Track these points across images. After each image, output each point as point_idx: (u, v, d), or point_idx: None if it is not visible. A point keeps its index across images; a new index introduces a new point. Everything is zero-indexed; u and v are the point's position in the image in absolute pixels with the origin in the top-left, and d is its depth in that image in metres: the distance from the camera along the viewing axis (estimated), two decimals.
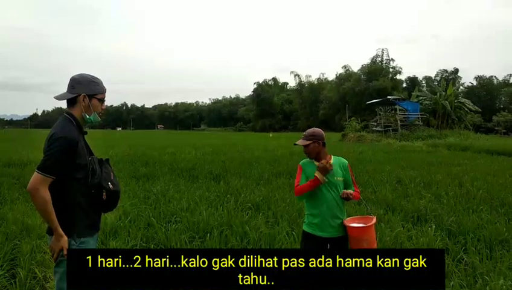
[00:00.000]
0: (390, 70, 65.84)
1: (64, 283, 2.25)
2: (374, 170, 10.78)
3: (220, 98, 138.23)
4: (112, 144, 25.04)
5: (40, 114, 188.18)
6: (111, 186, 2.36)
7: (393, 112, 36.98)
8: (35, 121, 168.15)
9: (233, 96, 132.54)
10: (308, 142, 3.21)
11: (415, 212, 6.13)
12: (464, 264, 4.07)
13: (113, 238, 4.73)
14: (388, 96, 38.84)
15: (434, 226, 5.20)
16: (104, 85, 2.50)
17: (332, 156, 3.35)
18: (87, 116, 2.40)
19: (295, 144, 3.26)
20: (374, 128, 36.21)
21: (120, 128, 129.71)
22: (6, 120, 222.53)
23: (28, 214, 5.92)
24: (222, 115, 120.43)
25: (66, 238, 2.25)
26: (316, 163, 3.28)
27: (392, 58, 66.14)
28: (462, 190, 7.85)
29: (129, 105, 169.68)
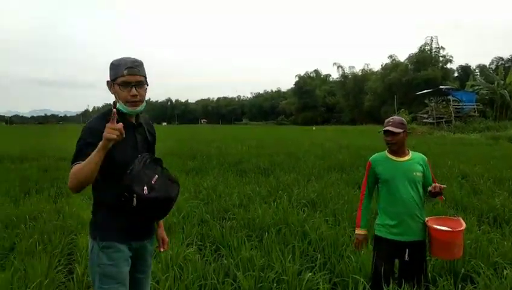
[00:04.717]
0: (440, 59, 62.46)
1: (95, 284, 2.05)
2: (433, 164, 10.03)
3: (261, 92, 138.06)
4: (161, 138, 25.53)
5: (91, 110, 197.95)
6: (146, 191, 1.92)
7: (444, 102, 35.08)
8: (87, 117, 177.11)
9: (274, 89, 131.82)
10: (400, 130, 2.83)
11: (490, 211, 5.52)
12: None
13: (167, 234, 4.58)
14: (441, 86, 36.83)
15: None
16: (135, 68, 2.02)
17: (410, 152, 2.97)
18: (117, 106, 2.03)
19: (386, 130, 2.85)
20: (425, 120, 34.51)
21: (165, 123, 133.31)
22: (61, 116, 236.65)
23: (84, 208, 5.96)
24: (263, 108, 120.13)
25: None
26: (393, 157, 2.91)
27: (441, 46, 62.64)
28: None
29: (173, 100, 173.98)
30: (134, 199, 1.90)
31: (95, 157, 1.82)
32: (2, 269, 3.62)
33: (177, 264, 3.57)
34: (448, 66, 62.82)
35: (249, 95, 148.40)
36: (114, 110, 1.86)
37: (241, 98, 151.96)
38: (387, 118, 3.06)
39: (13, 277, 3.33)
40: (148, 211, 2.01)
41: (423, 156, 3.00)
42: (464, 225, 2.76)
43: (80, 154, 1.91)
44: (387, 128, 2.84)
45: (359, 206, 3.09)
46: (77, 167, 1.86)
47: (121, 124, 1.82)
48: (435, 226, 2.77)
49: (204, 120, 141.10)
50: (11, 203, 6.40)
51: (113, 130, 1.79)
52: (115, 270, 2.02)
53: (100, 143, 1.81)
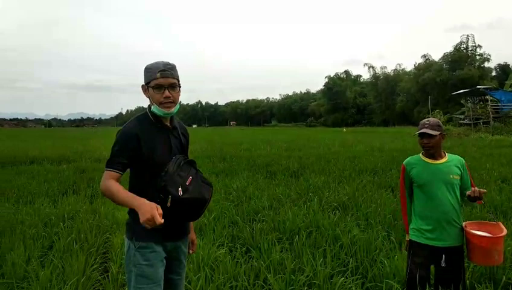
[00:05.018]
0: (477, 57, 60.10)
1: (131, 283, 2.06)
2: (471, 167, 9.64)
3: (290, 94, 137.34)
4: (191, 140, 25.92)
5: (124, 113, 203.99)
6: (180, 192, 1.95)
7: (482, 103, 33.66)
8: (120, 120, 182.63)
9: (303, 91, 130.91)
10: (437, 132, 2.72)
11: None
12: None
13: (199, 235, 4.64)
14: (478, 86, 35.36)
15: None
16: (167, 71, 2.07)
17: (447, 154, 2.85)
18: (151, 109, 2.11)
19: (422, 132, 2.74)
20: (461, 121, 33.26)
21: (195, 126, 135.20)
22: (96, 119, 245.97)
23: (118, 208, 6.12)
24: (292, 110, 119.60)
25: (146, 205, 1.82)
26: (428, 160, 2.80)
27: (478, 45, 60.25)
28: None
29: (203, 103, 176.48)
30: (169, 200, 1.93)
31: (124, 202, 1.94)
32: (42, 266, 3.76)
33: (208, 265, 3.59)
34: (486, 65, 60.45)
35: (278, 97, 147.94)
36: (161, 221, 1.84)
37: (270, 100, 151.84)
38: (421, 119, 2.95)
39: (52, 274, 3.46)
40: (183, 212, 2.03)
41: (461, 158, 2.88)
42: (505, 231, 2.62)
43: (114, 160, 2.03)
44: (423, 130, 2.73)
45: (403, 212, 3.00)
46: (111, 189, 1.95)
47: (159, 215, 1.82)
48: (474, 232, 2.65)
49: (233, 122, 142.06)
50: (50, 203, 6.67)
51: (150, 222, 1.80)
52: (150, 270, 2.05)
53: (136, 203, 1.86)
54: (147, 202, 1.86)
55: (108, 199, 2.02)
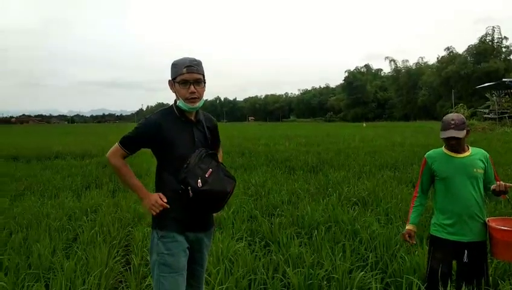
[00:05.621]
0: (503, 50, 58.24)
1: (154, 272, 2.12)
2: (495, 162, 9.38)
3: (309, 88, 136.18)
4: None
5: (144, 109, 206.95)
6: (200, 184, 2.02)
7: (507, 96, 32.65)
8: (140, 116, 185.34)
9: (322, 85, 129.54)
10: (464, 131, 2.65)
11: None
12: None
13: (218, 229, 4.68)
14: (503, 79, 34.30)
15: None
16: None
17: (470, 148, 2.79)
18: (177, 103, 2.20)
19: (451, 137, 2.63)
20: (486, 115, 32.38)
21: None
22: (117, 115, 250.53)
23: (139, 202, 6.24)
24: (311, 105, 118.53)
25: (151, 195, 2.15)
26: (451, 154, 2.73)
27: (504, 36, 58.33)
28: None
29: (222, 98, 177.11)
30: (190, 191, 2.01)
31: (132, 187, 2.21)
32: (67, 257, 3.87)
33: (227, 258, 3.63)
34: None
35: (297, 92, 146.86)
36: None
37: (289, 94, 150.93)
38: (444, 113, 2.88)
39: (76, 265, 3.56)
40: (203, 203, 2.10)
41: (484, 151, 2.81)
42: None
43: (130, 141, 2.19)
44: (450, 134, 2.63)
45: (411, 204, 2.97)
46: (123, 170, 2.20)
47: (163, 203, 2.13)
48: (496, 226, 2.59)
49: (251, 118, 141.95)
50: (74, 197, 6.85)
51: (155, 207, 2.11)
52: (172, 259, 2.11)
53: (141, 194, 2.19)
54: (152, 194, 2.16)
55: (115, 173, 2.24)
